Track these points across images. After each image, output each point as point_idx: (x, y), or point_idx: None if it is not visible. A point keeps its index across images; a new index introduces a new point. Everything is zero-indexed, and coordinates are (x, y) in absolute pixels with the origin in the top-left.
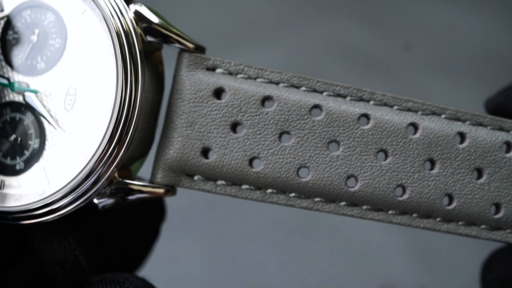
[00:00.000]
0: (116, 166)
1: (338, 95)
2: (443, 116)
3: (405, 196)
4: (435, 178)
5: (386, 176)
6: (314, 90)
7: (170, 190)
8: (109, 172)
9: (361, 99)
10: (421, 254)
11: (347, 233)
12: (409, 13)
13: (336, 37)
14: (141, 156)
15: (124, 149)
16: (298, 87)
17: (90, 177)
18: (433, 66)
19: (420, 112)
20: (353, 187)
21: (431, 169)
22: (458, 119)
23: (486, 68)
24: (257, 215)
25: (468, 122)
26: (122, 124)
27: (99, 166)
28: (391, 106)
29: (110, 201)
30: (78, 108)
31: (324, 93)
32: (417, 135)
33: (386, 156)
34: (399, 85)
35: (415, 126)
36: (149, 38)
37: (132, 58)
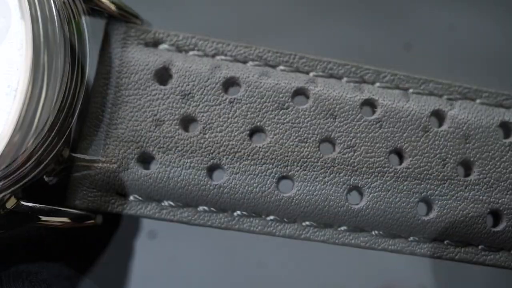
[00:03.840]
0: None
1: (331, 76)
2: (477, 101)
3: (432, 215)
4: (473, 187)
5: (404, 186)
6: (297, 70)
7: (92, 216)
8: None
9: (363, 81)
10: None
11: None
12: (409, 13)
13: (336, 37)
14: (50, 167)
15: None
16: (274, 66)
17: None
18: (433, 66)
19: (445, 96)
20: (357, 203)
21: (466, 175)
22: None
23: (486, 68)
24: None
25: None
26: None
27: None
28: (405, 89)
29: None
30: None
31: (311, 73)
32: (444, 127)
33: (403, 158)
34: None
35: (440, 116)
36: None
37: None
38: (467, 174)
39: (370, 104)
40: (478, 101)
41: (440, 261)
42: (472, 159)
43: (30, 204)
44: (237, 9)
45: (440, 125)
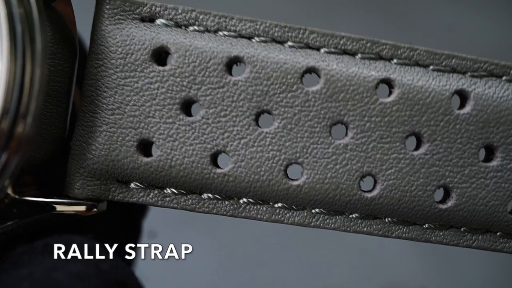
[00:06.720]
0: (6, 179)
1: (344, 52)
2: (504, 78)
3: (450, 203)
4: (495, 174)
5: (421, 174)
6: (307, 46)
7: (95, 205)
8: None
9: (379, 57)
10: (422, 254)
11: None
12: (410, 12)
13: None
14: (46, 155)
15: (18, 158)
16: (281, 42)
17: None
18: None
19: (469, 73)
20: (370, 191)
21: (488, 160)
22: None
23: None
24: None
25: None
26: (13, 119)
27: None
28: (425, 66)
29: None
30: None
31: (322, 50)
32: (467, 109)
33: (420, 143)
34: None
35: (463, 96)
36: None
37: (24, 8)
38: (488, 160)
39: (386, 83)
40: (504, 78)
41: (440, 260)
42: (495, 144)
43: (29, 199)
44: (242, 8)
45: (463, 106)
